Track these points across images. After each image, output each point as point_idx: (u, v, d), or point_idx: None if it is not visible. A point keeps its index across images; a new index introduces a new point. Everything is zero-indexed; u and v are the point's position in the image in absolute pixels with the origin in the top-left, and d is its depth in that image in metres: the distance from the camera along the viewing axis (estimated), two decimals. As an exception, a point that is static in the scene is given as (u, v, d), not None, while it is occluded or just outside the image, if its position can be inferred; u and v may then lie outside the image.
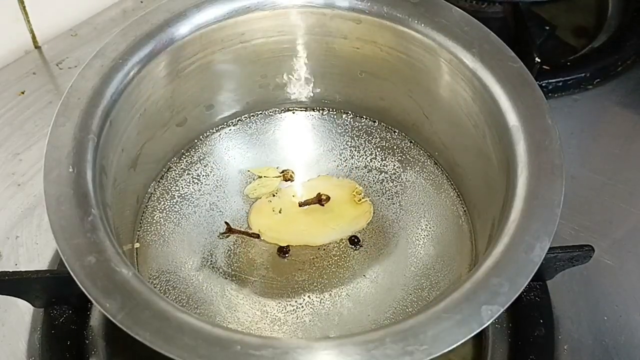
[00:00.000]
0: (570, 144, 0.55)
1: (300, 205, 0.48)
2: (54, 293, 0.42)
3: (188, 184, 0.48)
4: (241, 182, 0.49)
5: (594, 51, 0.63)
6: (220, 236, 0.46)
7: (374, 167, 0.50)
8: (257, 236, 0.47)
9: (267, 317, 0.43)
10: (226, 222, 0.47)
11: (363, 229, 0.47)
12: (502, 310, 0.32)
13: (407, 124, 0.51)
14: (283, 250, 0.46)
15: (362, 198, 0.48)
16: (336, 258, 0.46)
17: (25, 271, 0.40)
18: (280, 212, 0.48)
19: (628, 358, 0.44)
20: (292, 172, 0.50)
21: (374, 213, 0.48)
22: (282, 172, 0.50)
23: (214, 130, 0.51)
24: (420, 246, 0.46)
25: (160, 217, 0.46)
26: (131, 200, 0.45)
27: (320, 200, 0.47)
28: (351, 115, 0.53)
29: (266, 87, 0.51)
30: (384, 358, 0.30)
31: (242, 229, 0.47)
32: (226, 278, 0.45)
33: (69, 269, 0.33)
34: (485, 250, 0.36)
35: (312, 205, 0.48)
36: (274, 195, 0.49)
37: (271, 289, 0.44)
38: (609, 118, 0.58)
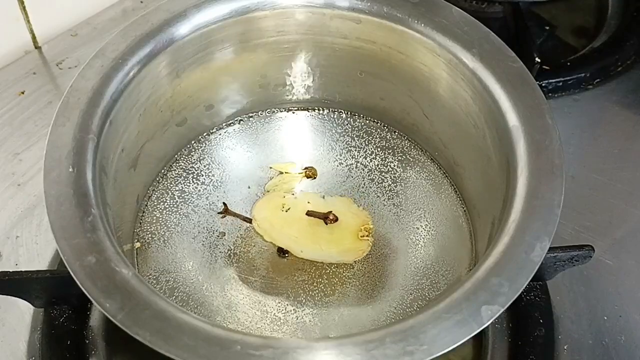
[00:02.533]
0: (570, 144, 0.55)
1: (306, 214, 0.47)
2: (54, 293, 0.42)
3: (188, 183, 0.48)
4: (241, 181, 0.49)
5: (594, 51, 0.63)
6: (219, 233, 0.46)
7: (374, 167, 0.50)
8: (249, 220, 0.47)
9: (267, 317, 0.43)
10: (224, 203, 0.47)
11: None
12: (502, 310, 0.32)
13: (407, 124, 0.51)
14: (283, 250, 0.46)
15: (367, 236, 0.46)
16: (336, 258, 0.46)
17: (25, 271, 0.40)
18: (287, 210, 0.47)
19: (628, 358, 0.44)
20: (315, 170, 0.50)
21: (374, 214, 0.48)
22: (305, 169, 0.50)
23: (214, 130, 0.51)
24: (420, 246, 0.46)
25: (160, 217, 0.46)
26: (131, 200, 0.45)
27: (326, 217, 0.46)
28: (351, 115, 0.53)
29: (266, 87, 0.51)
30: (384, 358, 0.30)
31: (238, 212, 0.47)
32: (226, 278, 0.45)
33: (69, 269, 0.33)
34: (485, 250, 0.36)
35: (317, 219, 0.47)
36: (293, 194, 0.48)
37: (271, 289, 0.44)
38: (609, 118, 0.58)
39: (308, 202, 0.48)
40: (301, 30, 0.48)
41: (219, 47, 0.46)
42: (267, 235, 0.46)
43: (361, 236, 0.46)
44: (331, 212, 0.46)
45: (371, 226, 0.46)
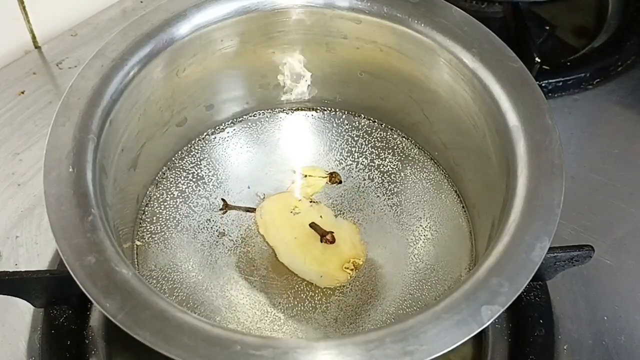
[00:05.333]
0: (570, 144, 0.55)
1: (309, 225, 0.47)
2: (54, 293, 0.42)
3: (188, 184, 0.48)
4: (241, 181, 0.49)
5: (594, 51, 0.63)
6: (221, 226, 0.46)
7: (373, 167, 0.50)
8: (253, 210, 0.47)
9: (267, 317, 0.43)
10: (223, 199, 0.47)
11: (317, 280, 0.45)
12: (502, 310, 0.32)
13: (407, 124, 0.51)
14: (283, 250, 0.46)
15: (351, 269, 0.45)
16: (336, 258, 0.46)
17: (25, 271, 0.40)
18: (295, 214, 0.47)
19: (628, 358, 0.44)
20: (339, 176, 0.49)
21: (374, 213, 0.48)
22: (330, 174, 0.50)
23: (214, 130, 0.51)
24: (420, 246, 0.46)
25: (160, 217, 0.46)
26: (131, 200, 0.45)
27: (324, 235, 0.46)
28: (351, 115, 0.53)
29: (266, 87, 0.51)
30: (384, 358, 0.30)
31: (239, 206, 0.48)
32: (226, 278, 0.45)
33: (69, 269, 0.33)
34: (485, 250, 0.36)
35: (315, 234, 0.46)
36: (311, 201, 0.48)
37: (271, 289, 0.44)
38: (609, 118, 0.58)
39: (320, 217, 0.47)
40: (301, 30, 0.48)
41: (219, 47, 0.46)
42: (263, 228, 0.46)
43: (346, 267, 0.45)
44: (332, 233, 0.46)
45: (361, 263, 0.45)
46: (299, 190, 0.49)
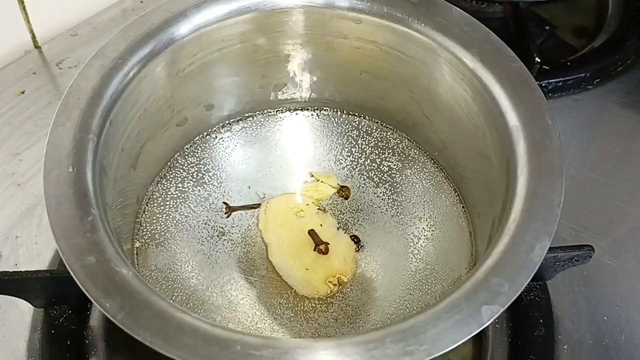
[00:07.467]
0: (570, 144, 0.55)
1: (308, 231, 0.47)
2: (54, 293, 0.42)
3: (188, 183, 0.48)
4: (241, 181, 0.49)
5: (594, 51, 0.63)
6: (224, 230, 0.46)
7: (373, 167, 0.50)
8: (258, 206, 0.47)
9: (267, 317, 0.43)
10: (224, 202, 0.47)
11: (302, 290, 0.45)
12: (502, 310, 0.32)
13: (407, 124, 0.51)
14: (283, 250, 0.46)
15: (333, 285, 0.44)
16: (336, 258, 0.46)
17: (25, 271, 0.40)
18: (299, 217, 0.47)
19: (628, 358, 0.44)
20: (349, 191, 0.49)
21: (374, 214, 0.48)
22: (341, 187, 0.49)
23: (214, 130, 0.51)
24: (420, 246, 0.46)
25: (160, 217, 0.46)
26: (131, 200, 0.45)
27: (318, 245, 0.46)
28: (351, 115, 0.53)
29: (266, 87, 0.51)
30: (384, 358, 0.30)
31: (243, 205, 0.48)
32: (226, 278, 0.45)
33: (69, 269, 0.33)
34: (485, 250, 0.36)
35: (311, 241, 0.46)
36: (318, 208, 0.48)
37: (271, 289, 0.44)
38: (609, 118, 0.58)
39: (321, 225, 0.47)
40: (301, 30, 0.48)
41: (219, 47, 0.46)
42: (263, 224, 0.46)
43: (329, 281, 0.44)
44: (327, 244, 0.46)
45: (346, 280, 0.45)
46: (307, 193, 0.49)
